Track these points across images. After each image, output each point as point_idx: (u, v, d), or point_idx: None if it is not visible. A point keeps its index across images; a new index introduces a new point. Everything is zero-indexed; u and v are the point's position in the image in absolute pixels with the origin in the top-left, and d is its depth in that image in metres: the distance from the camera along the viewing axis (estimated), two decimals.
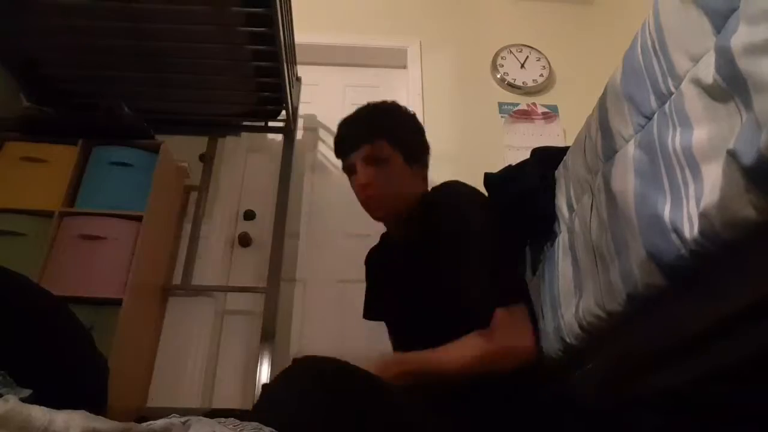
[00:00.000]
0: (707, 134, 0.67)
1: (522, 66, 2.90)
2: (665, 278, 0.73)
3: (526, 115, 2.77)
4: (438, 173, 2.60)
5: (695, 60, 0.73)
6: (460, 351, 1.05)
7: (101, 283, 1.80)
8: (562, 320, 1.04)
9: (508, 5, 3.08)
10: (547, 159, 1.32)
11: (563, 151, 1.26)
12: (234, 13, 1.86)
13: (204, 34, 1.96)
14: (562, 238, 1.14)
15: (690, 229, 0.66)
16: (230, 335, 2.18)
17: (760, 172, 0.55)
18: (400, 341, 1.36)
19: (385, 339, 1.46)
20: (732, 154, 0.59)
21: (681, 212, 0.68)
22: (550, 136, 2.68)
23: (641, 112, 0.85)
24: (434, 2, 3.07)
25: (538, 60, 2.92)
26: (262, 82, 2.20)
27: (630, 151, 0.86)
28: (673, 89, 0.78)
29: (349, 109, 3.03)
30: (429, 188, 1.34)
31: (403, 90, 2.90)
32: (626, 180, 0.84)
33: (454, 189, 1.24)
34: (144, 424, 0.61)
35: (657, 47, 0.84)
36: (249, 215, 2.44)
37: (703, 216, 0.63)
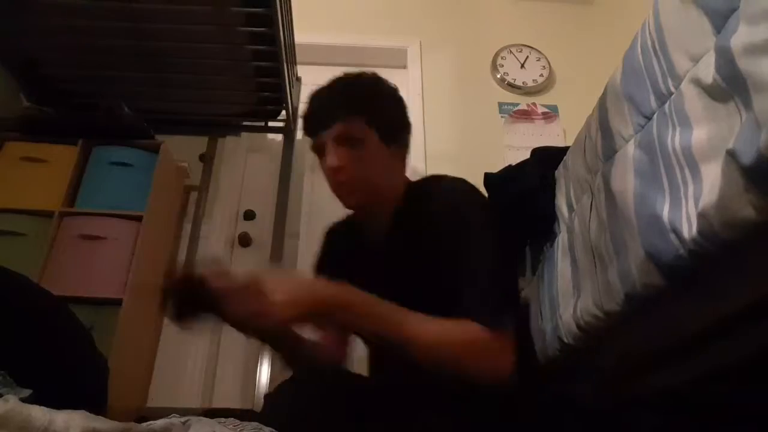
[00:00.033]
0: (707, 134, 0.67)
1: (522, 66, 2.90)
2: (664, 278, 0.73)
3: (526, 115, 2.77)
4: (438, 173, 2.62)
5: (695, 60, 0.73)
6: (440, 330, 0.91)
7: (101, 283, 1.80)
8: (560, 320, 1.04)
9: (508, 5, 3.08)
10: (547, 159, 1.32)
11: (563, 151, 1.26)
12: (234, 13, 1.86)
13: (204, 34, 1.96)
14: (562, 238, 1.14)
15: (689, 229, 0.66)
16: (230, 335, 2.18)
17: (760, 172, 0.55)
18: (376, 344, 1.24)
19: None
20: (731, 154, 0.59)
21: (680, 212, 0.68)
22: (550, 136, 2.68)
23: (641, 112, 0.85)
24: (434, 2, 3.07)
25: (538, 60, 2.91)
26: (262, 82, 2.20)
27: (630, 151, 0.86)
28: (673, 89, 0.78)
29: None
30: (408, 174, 1.24)
31: (403, 90, 2.87)
32: (626, 180, 0.84)
33: (453, 186, 1.14)
34: (144, 424, 0.62)
35: (657, 47, 0.84)
36: (249, 215, 2.44)
37: (702, 216, 0.63)
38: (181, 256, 2.21)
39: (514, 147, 2.63)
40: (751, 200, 0.57)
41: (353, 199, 1.15)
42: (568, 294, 1.05)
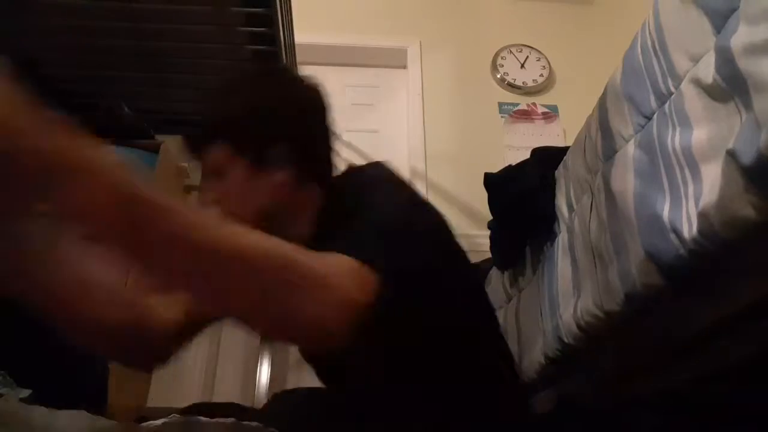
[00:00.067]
0: (707, 134, 0.67)
1: (522, 66, 2.90)
2: (664, 278, 0.73)
3: (526, 115, 2.77)
4: (438, 173, 2.63)
5: (695, 60, 0.73)
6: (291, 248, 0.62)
7: None
8: (560, 320, 1.04)
9: (508, 5, 3.08)
10: (547, 159, 1.32)
11: (563, 151, 1.26)
12: (234, 13, 1.86)
13: (204, 34, 1.96)
14: (562, 238, 1.14)
15: (689, 228, 0.66)
16: (230, 335, 2.18)
17: (760, 172, 0.55)
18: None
19: None
20: (731, 154, 0.59)
21: (680, 212, 0.68)
22: (550, 136, 2.68)
23: (641, 112, 0.85)
24: (434, 2, 3.07)
25: (538, 60, 2.92)
26: None
27: (630, 151, 0.86)
28: (672, 89, 0.78)
29: (349, 109, 3.02)
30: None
31: (403, 90, 2.90)
32: (626, 180, 0.84)
33: (371, 175, 0.96)
34: (144, 424, 0.61)
35: (657, 47, 0.84)
36: None
37: (702, 216, 0.63)
38: None
39: (514, 147, 2.63)
40: (751, 200, 0.57)
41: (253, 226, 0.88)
42: (568, 294, 1.05)
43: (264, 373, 1.95)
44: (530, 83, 2.85)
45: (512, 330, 1.37)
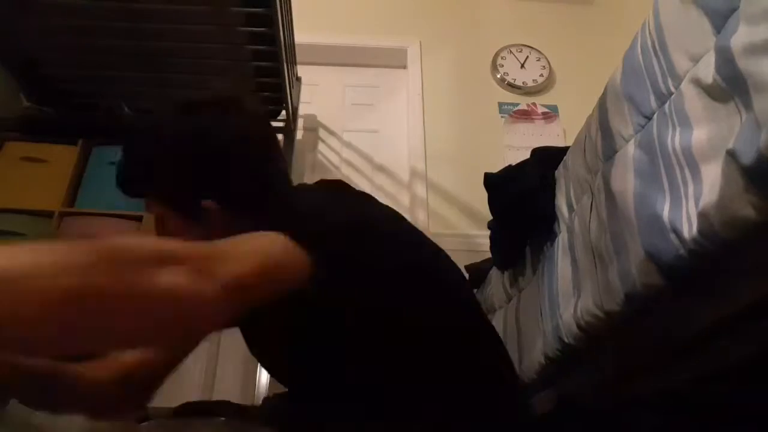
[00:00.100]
0: (707, 134, 0.67)
1: (522, 66, 2.90)
2: (664, 278, 0.73)
3: (526, 115, 2.77)
4: (438, 173, 2.63)
5: (695, 60, 0.73)
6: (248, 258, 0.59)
7: None
8: (560, 320, 1.04)
9: (508, 5, 3.08)
10: (547, 159, 1.32)
11: (563, 151, 1.26)
12: (234, 13, 1.86)
13: (204, 34, 1.96)
14: (562, 238, 1.14)
15: (689, 228, 0.66)
16: (230, 335, 2.17)
17: (760, 172, 0.55)
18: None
19: None
20: (731, 154, 0.59)
21: (680, 212, 0.68)
22: (550, 136, 2.68)
23: (641, 112, 0.85)
24: (434, 2, 3.07)
25: (538, 60, 2.92)
26: (262, 82, 2.20)
27: (630, 151, 0.86)
28: (672, 89, 0.78)
29: (349, 109, 3.02)
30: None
31: (403, 90, 2.90)
32: (626, 180, 0.84)
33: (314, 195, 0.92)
34: (144, 424, 0.61)
35: (657, 47, 0.84)
36: None
37: (702, 216, 0.63)
38: None
39: (514, 147, 2.63)
40: (751, 200, 0.57)
41: None
42: (568, 294, 1.05)
43: (264, 373, 1.96)
44: (530, 83, 2.85)
45: (512, 330, 1.37)
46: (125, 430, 0.59)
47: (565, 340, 1.02)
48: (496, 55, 2.92)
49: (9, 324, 0.41)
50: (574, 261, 1.05)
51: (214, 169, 0.83)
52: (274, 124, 2.46)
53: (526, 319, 1.28)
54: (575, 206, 1.11)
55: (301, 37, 2.26)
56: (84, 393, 0.71)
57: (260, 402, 1.16)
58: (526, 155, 1.41)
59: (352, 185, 0.97)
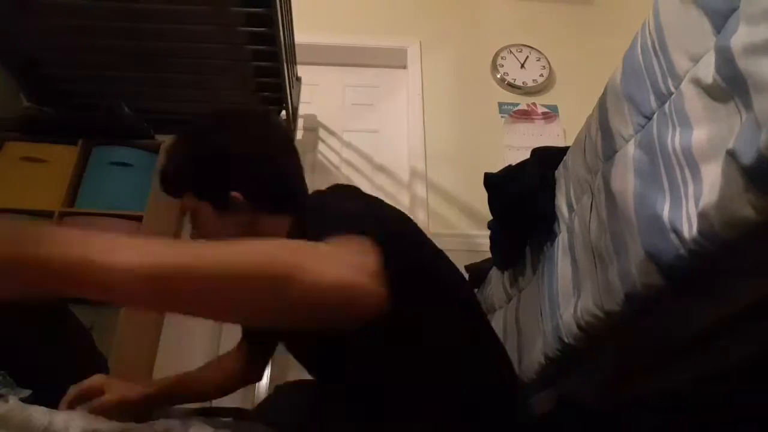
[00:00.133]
0: (707, 134, 0.67)
1: (522, 66, 2.90)
2: (664, 278, 0.73)
3: (526, 115, 2.77)
4: (438, 173, 2.63)
5: (695, 60, 0.73)
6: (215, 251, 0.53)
7: None
8: (560, 320, 1.04)
9: (508, 5, 3.08)
10: (547, 159, 1.32)
11: (563, 151, 1.26)
12: (234, 13, 1.86)
13: (204, 34, 1.96)
14: (562, 238, 1.14)
15: (689, 228, 0.66)
16: (230, 335, 2.17)
17: (760, 172, 0.55)
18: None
19: None
20: (731, 154, 0.59)
21: (680, 212, 0.68)
22: (550, 136, 2.68)
23: (641, 112, 0.85)
24: (434, 2, 3.07)
25: (538, 60, 2.92)
26: (262, 82, 2.20)
27: (630, 151, 0.86)
28: (672, 89, 0.78)
29: (349, 109, 3.03)
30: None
31: (403, 90, 2.90)
32: (626, 180, 0.84)
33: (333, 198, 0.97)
34: (144, 424, 0.62)
35: (657, 47, 0.84)
36: None
37: (702, 216, 0.63)
38: None
39: (514, 147, 2.63)
40: (751, 200, 0.57)
41: None
42: (568, 294, 1.05)
43: (264, 372, 1.96)
44: (530, 83, 2.85)
45: (512, 330, 1.37)
46: (125, 430, 0.59)
47: (565, 340, 1.02)
48: (496, 55, 2.92)
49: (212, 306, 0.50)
50: (574, 261, 1.05)
51: (243, 167, 0.99)
52: None
53: (526, 319, 1.28)
54: (575, 206, 1.11)
55: (301, 37, 2.27)
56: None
57: (262, 398, 1.17)
58: (526, 155, 1.41)
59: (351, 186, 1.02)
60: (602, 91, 1.02)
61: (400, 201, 2.64)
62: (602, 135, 0.98)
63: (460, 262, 1.96)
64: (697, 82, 0.71)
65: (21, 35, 1.98)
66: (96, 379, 1.01)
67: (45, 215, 1.88)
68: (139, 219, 1.90)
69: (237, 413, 1.01)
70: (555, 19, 3.04)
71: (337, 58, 2.96)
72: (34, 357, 1.18)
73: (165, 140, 2.09)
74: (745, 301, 0.67)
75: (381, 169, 2.76)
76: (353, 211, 0.81)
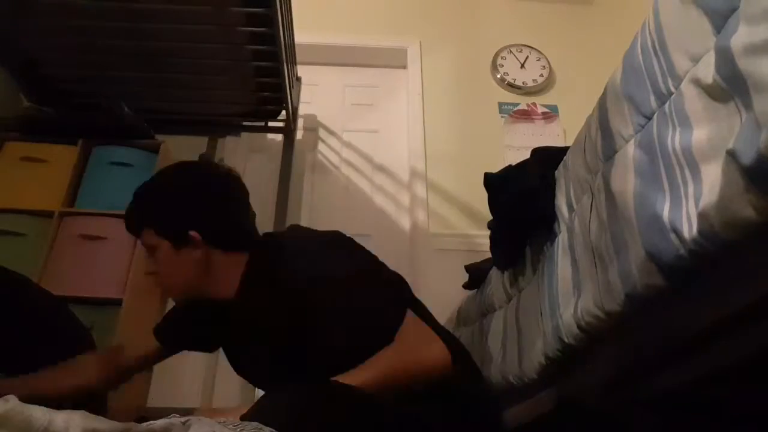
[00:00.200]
0: (707, 134, 0.67)
1: (522, 66, 2.90)
2: (664, 278, 0.73)
3: (526, 115, 2.77)
4: (438, 173, 2.63)
5: (695, 60, 0.73)
6: (366, 372, 0.93)
7: (101, 283, 1.80)
8: (560, 320, 1.04)
9: (508, 5, 3.08)
10: (547, 159, 1.32)
11: (563, 151, 1.26)
12: (234, 13, 1.87)
13: (204, 34, 1.96)
14: (562, 238, 1.14)
15: (689, 229, 0.66)
16: None
17: (760, 172, 0.55)
18: None
19: None
20: (731, 154, 0.59)
21: (680, 212, 0.68)
22: (550, 136, 2.68)
23: (641, 112, 0.85)
24: (434, 2, 3.07)
25: (538, 60, 2.92)
26: (262, 82, 2.20)
27: (630, 151, 0.86)
28: (673, 89, 0.78)
29: (349, 109, 3.03)
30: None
31: (403, 90, 2.90)
32: (626, 180, 0.84)
33: (295, 238, 1.14)
34: (144, 424, 0.61)
35: (657, 47, 0.84)
36: None
37: (702, 216, 0.63)
38: None
39: (514, 147, 2.63)
40: (751, 200, 0.57)
41: (174, 299, 1.22)
42: (568, 294, 1.05)
43: None
44: (530, 83, 2.85)
45: (512, 330, 1.37)
46: (125, 430, 0.59)
47: (565, 340, 1.02)
48: (496, 55, 2.92)
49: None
50: (574, 261, 1.05)
51: (200, 210, 1.14)
52: (274, 124, 2.47)
53: (526, 319, 1.28)
54: (575, 206, 1.11)
55: (301, 37, 2.27)
56: None
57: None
58: (526, 155, 1.41)
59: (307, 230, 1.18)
60: (602, 91, 1.01)
61: (400, 201, 2.65)
62: (602, 135, 0.98)
63: (460, 262, 1.97)
64: (697, 82, 0.71)
65: (21, 35, 1.98)
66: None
67: (45, 215, 1.88)
68: None
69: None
70: (555, 19, 3.05)
71: (337, 58, 2.96)
72: (35, 357, 1.18)
73: (165, 140, 2.09)
74: (745, 301, 0.67)
75: (381, 169, 2.76)
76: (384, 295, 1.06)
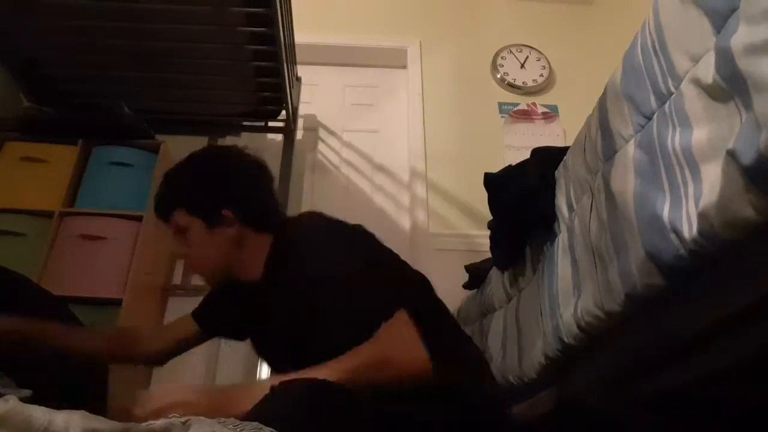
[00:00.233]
0: (707, 134, 0.67)
1: (522, 66, 2.90)
2: (664, 278, 0.73)
3: (526, 115, 2.77)
4: (438, 173, 2.63)
5: (695, 60, 0.73)
6: (340, 364, 0.89)
7: (101, 283, 1.80)
8: (560, 320, 1.04)
9: (508, 5, 3.08)
10: (547, 159, 1.32)
11: (563, 151, 1.26)
12: (234, 13, 1.86)
13: (204, 34, 1.96)
14: (562, 238, 1.14)
15: (689, 229, 0.66)
16: None
17: (760, 172, 0.55)
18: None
19: None
20: (731, 154, 0.59)
21: (680, 212, 0.68)
22: (550, 136, 2.68)
23: (641, 112, 0.85)
24: (434, 2, 3.07)
25: (538, 60, 2.92)
26: (262, 82, 2.20)
27: (630, 151, 0.86)
28: (673, 89, 0.78)
29: (349, 109, 3.02)
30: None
31: (403, 90, 2.90)
32: (626, 180, 0.84)
33: (308, 227, 1.13)
34: (144, 424, 0.61)
35: (657, 47, 0.84)
36: None
37: (702, 216, 0.63)
38: None
39: (514, 147, 2.63)
40: (751, 200, 0.57)
41: (205, 279, 1.20)
42: (568, 294, 1.05)
43: (264, 373, 1.96)
44: (530, 83, 2.85)
45: (512, 330, 1.37)
46: (125, 430, 0.59)
47: (565, 340, 1.02)
48: (496, 55, 2.92)
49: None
50: (574, 261, 1.05)
51: (234, 188, 1.15)
52: (274, 124, 2.47)
53: (526, 319, 1.29)
54: (575, 206, 1.11)
55: (301, 37, 2.27)
56: None
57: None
58: (526, 155, 1.41)
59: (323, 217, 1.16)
60: (602, 91, 1.02)
61: (400, 201, 2.65)
62: (602, 135, 0.98)
63: (460, 262, 1.97)
64: (697, 82, 0.71)
65: (21, 35, 1.98)
66: None
67: (45, 215, 1.88)
68: (139, 219, 1.90)
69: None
70: (555, 19, 3.04)
71: (337, 58, 2.96)
72: (35, 357, 1.18)
73: (165, 140, 2.09)
74: (745, 301, 0.67)
75: (381, 169, 2.76)
76: (389, 278, 1.06)
